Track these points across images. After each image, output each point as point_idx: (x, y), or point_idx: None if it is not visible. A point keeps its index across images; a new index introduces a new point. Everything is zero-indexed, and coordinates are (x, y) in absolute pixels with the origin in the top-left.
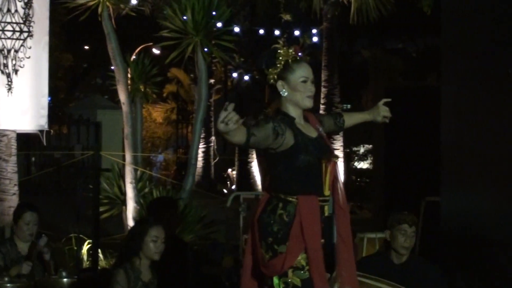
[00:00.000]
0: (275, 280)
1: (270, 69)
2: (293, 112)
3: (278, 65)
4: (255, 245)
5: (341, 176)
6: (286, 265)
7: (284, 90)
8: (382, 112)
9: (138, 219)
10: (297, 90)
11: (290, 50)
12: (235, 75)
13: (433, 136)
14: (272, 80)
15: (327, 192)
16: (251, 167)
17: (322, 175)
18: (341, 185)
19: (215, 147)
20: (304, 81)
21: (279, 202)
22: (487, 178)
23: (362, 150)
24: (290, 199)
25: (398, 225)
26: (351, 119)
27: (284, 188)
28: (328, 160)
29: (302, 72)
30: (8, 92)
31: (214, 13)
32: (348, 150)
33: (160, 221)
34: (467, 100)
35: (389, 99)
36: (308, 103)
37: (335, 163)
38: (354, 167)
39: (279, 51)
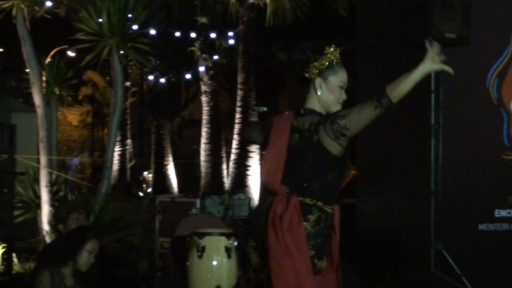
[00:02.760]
0: None
1: (314, 63)
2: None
3: (324, 62)
4: (299, 251)
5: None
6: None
7: (320, 89)
8: (433, 56)
9: (76, 228)
10: (333, 92)
11: (337, 51)
12: (151, 77)
13: (349, 139)
14: (312, 75)
15: None
16: (167, 170)
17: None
18: None
19: (131, 150)
20: (341, 87)
21: (321, 212)
22: (400, 179)
23: None
24: (328, 209)
25: None
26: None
27: (326, 197)
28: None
29: (342, 77)
30: None
31: (129, 15)
32: (264, 153)
33: (96, 234)
34: None
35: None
36: (337, 108)
37: None
38: None
39: (327, 48)
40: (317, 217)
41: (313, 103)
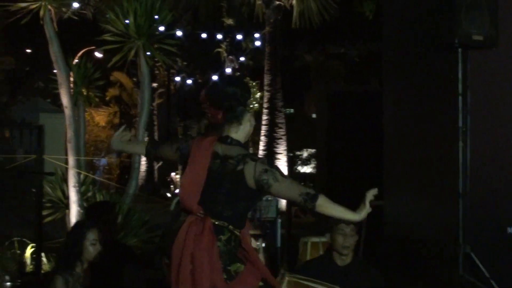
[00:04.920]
0: None
1: (251, 99)
2: None
3: (253, 101)
4: (211, 270)
5: None
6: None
7: (249, 122)
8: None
9: (74, 225)
10: (251, 126)
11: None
12: (177, 79)
13: (375, 140)
14: (247, 109)
15: None
16: None
17: None
18: None
19: None
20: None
21: (231, 234)
22: (428, 182)
23: (305, 154)
24: (237, 232)
25: (336, 225)
26: None
27: (236, 222)
28: None
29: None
30: None
31: (156, 17)
32: (291, 154)
33: (95, 223)
34: (408, 104)
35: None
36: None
37: None
38: (297, 171)
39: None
40: (228, 237)
41: (238, 134)
